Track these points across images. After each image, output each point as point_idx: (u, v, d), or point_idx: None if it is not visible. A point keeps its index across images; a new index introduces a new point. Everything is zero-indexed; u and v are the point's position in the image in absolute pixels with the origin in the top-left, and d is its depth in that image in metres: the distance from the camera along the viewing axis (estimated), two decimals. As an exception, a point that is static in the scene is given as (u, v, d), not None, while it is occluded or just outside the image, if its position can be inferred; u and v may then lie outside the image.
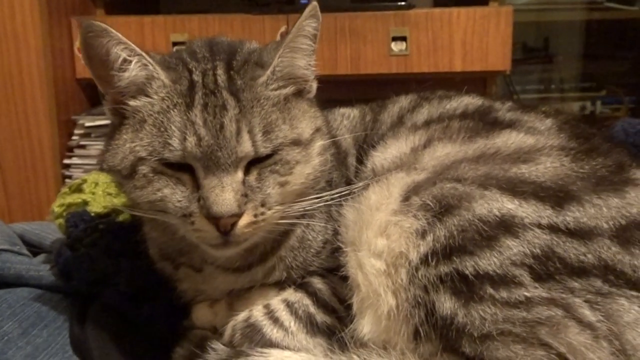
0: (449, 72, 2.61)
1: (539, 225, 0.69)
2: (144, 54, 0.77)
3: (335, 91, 2.90)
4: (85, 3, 2.72)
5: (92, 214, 0.99)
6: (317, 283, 0.85)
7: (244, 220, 0.73)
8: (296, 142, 0.78)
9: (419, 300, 0.70)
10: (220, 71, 0.78)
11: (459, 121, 0.85)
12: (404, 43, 2.61)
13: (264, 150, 0.75)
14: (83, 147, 2.52)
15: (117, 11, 2.75)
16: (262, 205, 0.75)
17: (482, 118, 0.88)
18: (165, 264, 0.92)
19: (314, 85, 0.86)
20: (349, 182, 0.90)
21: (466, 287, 0.67)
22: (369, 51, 2.58)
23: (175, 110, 0.74)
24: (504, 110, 0.93)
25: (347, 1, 2.65)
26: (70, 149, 2.51)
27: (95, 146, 2.50)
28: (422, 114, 0.94)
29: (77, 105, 2.64)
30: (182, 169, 0.74)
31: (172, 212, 0.75)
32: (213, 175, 0.73)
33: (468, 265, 0.68)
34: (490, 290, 0.67)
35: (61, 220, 1.00)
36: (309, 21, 0.79)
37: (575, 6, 3.12)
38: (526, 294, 0.66)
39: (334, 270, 0.85)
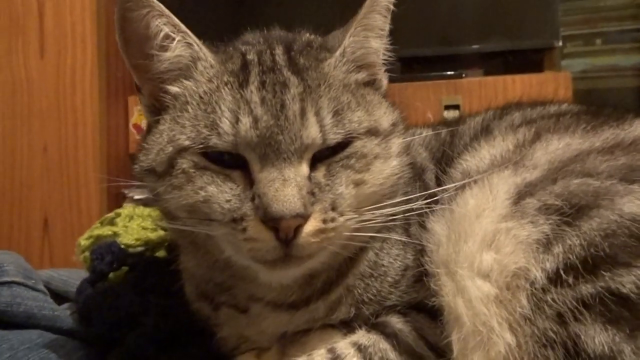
0: (506, 140, 2.46)
1: None
2: (188, 31, 0.65)
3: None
4: (142, 82, 2.81)
5: (122, 246, 0.84)
6: (397, 323, 0.65)
7: (310, 226, 0.57)
8: (373, 132, 0.63)
9: (552, 334, 0.50)
10: (278, 51, 0.66)
11: (569, 114, 0.68)
12: (457, 111, 2.51)
13: (334, 137, 0.60)
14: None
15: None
16: (333, 208, 0.59)
17: (592, 114, 0.71)
18: (203, 304, 0.75)
19: (385, 80, 0.72)
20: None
21: (629, 312, 0.47)
22: (420, 120, 2.48)
23: (225, 88, 0.61)
24: (613, 112, 0.76)
25: (397, 71, 2.61)
26: None
27: (141, 219, 2.45)
28: (513, 118, 0.77)
29: (128, 180, 2.64)
30: (230, 164, 0.60)
31: (218, 217, 0.59)
32: (272, 166, 0.58)
33: (626, 281, 0.48)
34: None
35: (87, 254, 0.86)
36: None
37: (631, 72, 2.97)
38: None
39: (418, 305, 0.65)
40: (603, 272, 0.50)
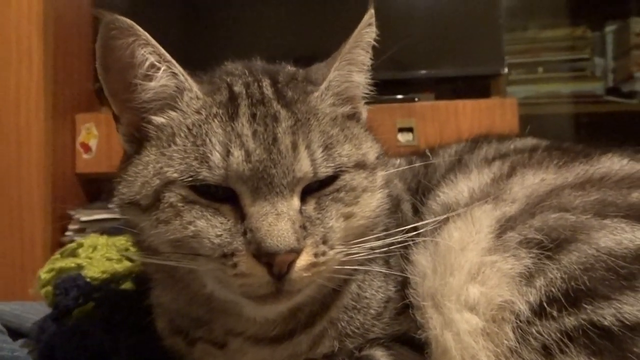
0: (457, 164, 2.55)
1: None
2: (173, 61, 0.63)
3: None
4: (91, 100, 2.73)
5: (88, 279, 0.80)
6: (382, 356, 0.65)
7: (302, 260, 0.56)
8: (361, 165, 0.63)
9: None
10: (265, 83, 0.65)
11: (541, 150, 0.71)
12: (411, 134, 2.58)
13: (324, 170, 0.60)
14: (76, 243, 2.36)
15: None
16: (324, 242, 0.58)
17: (560, 149, 0.75)
18: (177, 339, 0.72)
19: (365, 113, 0.73)
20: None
21: (612, 344, 0.49)
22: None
23: (215, 120, 0.60)
24: (579, 148, 0.80)
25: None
26: (63, 245, 2.37)
27: (88, 242, 2.35)
28: (486, 152, 0.80)
29: (74, 201, 2.56)
30: (220, 198, 0.58)
31: (207, 252, 0.57)
32: (264, 200, 0.57)
33: (607, 314, 0.50)
34: None
35: (49, 288, 0.81)
36: (367, 30, 0.68)
37: (575, 99, 3.15)
38: None
39: (401, 337, 0.65)
40: (585, 305, 0.52)
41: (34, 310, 0.94)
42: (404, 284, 0.67)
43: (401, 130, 2.57)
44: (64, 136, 2.40)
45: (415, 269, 0.64)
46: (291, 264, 0.56)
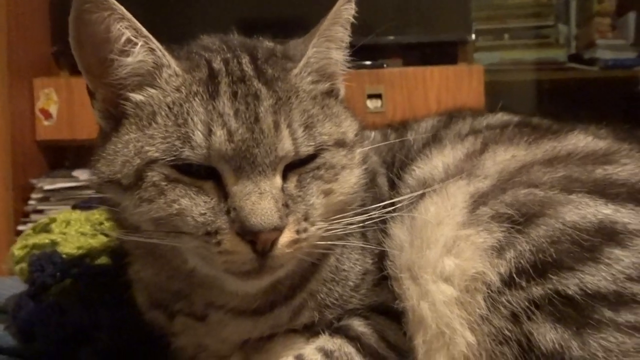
0: (425, 130, 2.59)
1: None
2: (150, 35, 0.62)
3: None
4: (49, 64, 2.63)
5: (64, 256, 0.79)
6: (359, 326, 0.67)
7: (285, 237, 0.57)
8: (341, 143, 0.64)
9: (508, 332, 0.55)
10: (244, 60, 0.65)
11: (512, 126, 0.73)
12: (380, 100, 2.60)
13: (305, 149, 0.61)
14: (40, 212, 2.32)
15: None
16: (305, 219, 0.60)
17: (530, 126, 0.77)
18: (157, 313, 0.73)
19: (343, 89, 0.74)
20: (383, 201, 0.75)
21: (574, 311, 0.53)
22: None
23: (196, 99, 0.59)
24: (547, 123, 0.83)
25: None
26: (27, 214, 2.32)
27: (55, 210, 2.32)
28: (460, 127, 0.82)
29: (35, 169, 2.49)
30: (203, 175, 0.59)
31: (191, 230, 0.58)
32: (247, 179, 0.57)
33: (571, 284, 0.54)
34: (608, 313, 0.52)
35: (23, 265, 0.80)
36: (346, 6, 0.68)
37: (539, 67, 3.21)
38: None
39: (379, 307, 0.68)
40: (551, 276, 0.55)
41: (5, 286, 0.93)
42: (381, 257, 0.69)
43: (370, 96, 2.59)
44: (22, 102, 2.32)
45: (392, 242, 0.67)
46: (274, 241, 0.57)
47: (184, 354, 0.73)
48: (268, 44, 0.73)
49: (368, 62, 2.65)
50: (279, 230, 0.57)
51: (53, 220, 0.89)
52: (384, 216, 0.67)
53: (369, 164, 0.79)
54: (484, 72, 2.57)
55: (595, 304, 0.53)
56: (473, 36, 2.74)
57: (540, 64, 3.23)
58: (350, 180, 0.65)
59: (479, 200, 0.62)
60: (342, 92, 0.73)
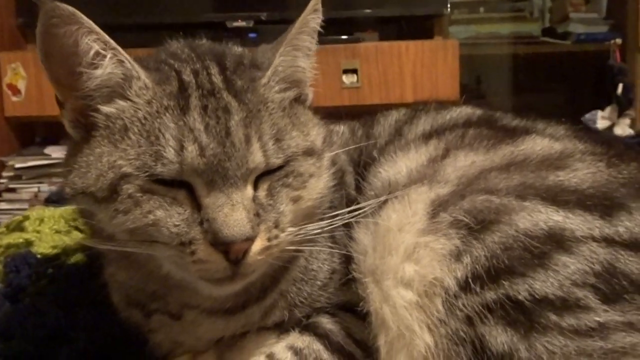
0: (400, 104, 2.62)
1: (593, 238, 0.60)
2: (118, 47, 0.63)
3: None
4: (16, 37, 2.55)
5: (39, 256, 0.81)
6: (327, 323, 0.71)
7: (257, 246, 0.60)
8: (309, 152, 0.67)
9: (463, 334, 0.59)
10: (213, 71, 0.66)
11: (473, 129, 0.76)
12: (355, 75, 2.60)
13: (275, 160, 0.63)
14: (13, 190, 2.31)
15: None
16: (276, 226, 0.63)
17: (491, 125, 0.80)
18: (134, 311, 0.75)
19: (311, 95, 0.75)
20: (350, 203, 0.78)
21: (523, 316, 0.57)
22: (320, 84, 2.55)
23: (167, 114, 0.61)
24: (508, 119, 0.86)
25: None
26: None
27: (28, 189, 2.30)
28: (423, 125, 0.85)
29: (5, 146, 2.44)
30: (177, 185, 0.60)
31: (166, 240, 0.60)
32: (219, 191, 0.59)
33: (521, 289, 0.58)
34: (553, 318, 0.56)
35: (-2, 266, 0.81)
36: (313, 16, 0.69)
37: (513, 40, 3.24)
38: (597, 318, 0.56)
39: (345, 305, 0.72)
40: (503, 281, 0.59)
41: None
42: (347, 257, 0.72)
43: (345, 72, 2.59)
44: (-11, 77, 2.26)
45: (357, 246, 0.70)
46: (246, 249, 0.60)
47: (161, 350, 0.75)
48: (236, 50, 0.73)
49: (344, 37, 2.64)
50: (250, 240, 0.59)
51: (26, 217, 0.90)
52: (350, 220, 0.70)
53: (337, 161, 0.82)
54: (459, 46, 2.59)
55: (542, 309, 0.57)
56: (448, 9, 2.74)
57: (514, 38, 3.25)
58: (318, 186, 0.68)
59: (438, 207, 0.65)
60: (310, 97, 0.75)
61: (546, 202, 0.63)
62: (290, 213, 0.64)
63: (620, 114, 2.87)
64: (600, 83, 2.99)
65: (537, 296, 0.57)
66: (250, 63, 0.69)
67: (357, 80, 2.61)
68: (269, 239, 0.61)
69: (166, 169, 0.59)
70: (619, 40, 2.89)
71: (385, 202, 0.69)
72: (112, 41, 0.62)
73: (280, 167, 0.64)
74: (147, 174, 0.59)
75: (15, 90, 2.46)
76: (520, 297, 0.58)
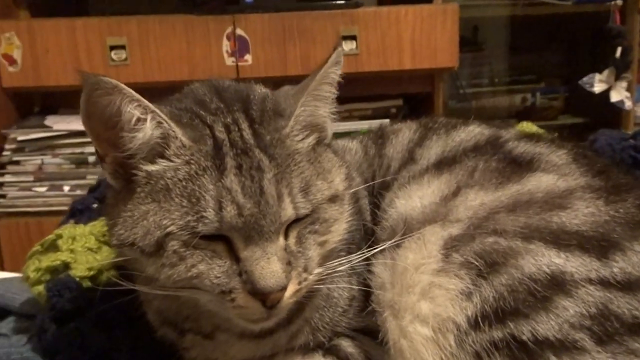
0: (398, 71, 2.63)
1: (590, 281, 0.67)
2: (157, 110, 0.67)
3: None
4: (8, 5, 2.50)
5: (77, 279, 0.87)
6: (348, 347, 0.79)
7: (290, 291, 0.67)
8: (333, 199, 0.73)
9: None
10: (244, 125, 0.70)
11: (482, 161, 0.81)
12: (354, 42, 2.60)
13: (304, 211, 0.69)
14: (17, 162, 2.33)
15: (42, 13, 2.55)
16: (305, 270, 0.69)
17: (497, 150, 0.85)
18: (168, 330, 0.83)
19: (330, 132, 0.79)
20: (366, 229, 0.84)
21: (526, 355, 0.64)
22: (318, 51, 2.55)
23: (206, 176, 0.66)
24: (513, 140, 0.91)
25: (293, 1, 2.61)
26: (2, 166, 2.32)
27: (31, 161, 2.33)
28: (434, 149, 0.90)
29: (4, 118, 2.45)
30: (216, 238, 0.66)
31: (208, 289, 0.67)
32: (255, 245, 0.66)
33: (525, 330, 0.65)
34: (552, 358, 0.64)
35: (40, 289, 0.87)
36: (334, 68, 0.73)
37: (512, 2, 3.21)
38: None
39: (364, 329, 0.79)
40: (509, 322, 0.66)
41: (15, 289, 1.01)
42: (366, 285, 0.79)
43: (345, 38, 2.58)
44: (-18, 48, 2.20)
45: (376, 280, 0.77)
46: (281, 296, 0.66)
47: (195, 364, 0.83)
48: (259, 93, 0.77)
49: (342, 1, 2.62)
50: (285, 288, 0.66)
51: (59, 236, 0.95)
52: (370, 253, 0.76)
53: (352, 183, 0.87)
54: (458, 9, 2.57)
55: (543, 350, 0.64)
56: (447, -29, 2.69)
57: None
58: (341, 228, 0.74)
59: (451, 247, 0.72)
60: (329, 134, 0.79)
61: (549, 244, 0.69)
62: (317, 256, 0.71)
63: (618, 77, 2.90)
64: (599, 45, 3.00)
65: (539, 337, 0.64)
66: (273, 109, 0.73)
67: (356, 47, 2.61)
68: (299, 283, 0.68)
69: (207, 227, 0.64)
70: (619, 2, 2.87)
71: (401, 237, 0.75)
72: (150, 105, 0.66)
73: (307, 216, 0.70)
74: (190, 232, 0.64)
75: (12, 60, 2.44)
76: (524, 338, 0.65)
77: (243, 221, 0.65)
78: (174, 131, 0.67)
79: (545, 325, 0.65)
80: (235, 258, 0.66)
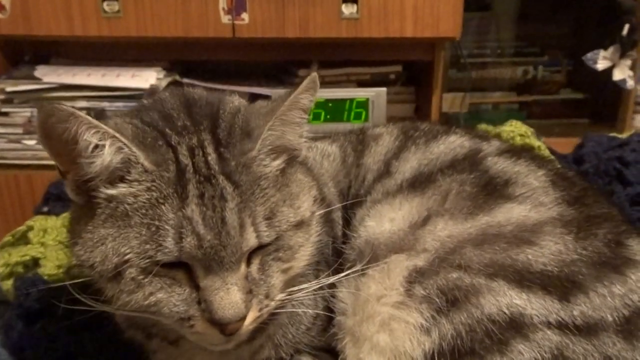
0: (399, 38, 2.56)
1: (549, 325, 0.67)
2: (117, 134, 0.65)
3: (284, 54, 2.78)
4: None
5: (45, 277, 0.87)
6: (308, 361, 0.81)
7: (249, 318, 0.67)
8: (299, 225, 0.71)
9: None
10: (209, 149, 0.68)
11: (457, 184, 0.80)
12: (355, 6, 2.51)
13: (267, 239, 0.68)
14: (6, 114, 2.30)
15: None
16: (266, 297, 0.69)
17: (474, 168, 0.84)
18: (136, 332, 0.84)
19: (303, 151, 0.77)
20: (335, 244, 0.84)
21: None
22: (318, 14, 2.48)
23: (166, 204, 0.64)
24: (493, 154, 0.89)
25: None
26: None
27: (21, 113, 2.30)
28: (410, 162, 0.88)
29: (-2, 66, 2.39)
30: (175, 266, 0.66)
31: (167, 317, 0.67)
32: (215, 274, 0.65)
33: None
34: None
35: (9, 284, 0.88)
36: (306, 94, 0.70)
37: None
38: None
39: (326, 348, 0.81)
40: None
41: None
42: (330, 307, 0.80)
43: (345, 1, 2.49)
44: (-30, -7, 2.20)
45: (339, 304, 0.77)
46: (240, 325, 0.66)
47: (162, 369, 0.85)
48: (231, 108, 0.74)
49: (344, -41, 2.51)
50: (244, 318, 0.66)
51: (30, 227, 0.95)
52: (335, 279, 0.76)
53: (325, 192, 0.86)
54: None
55: None
56: None
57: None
58: (306, 253, 0.73)
59: (414, 280, 0.71)
60: (302, 154, 0.77)
61: (512, 284, 0.69)
62: (280, 283, 0.71)
63: (623, 55, 2.83)
64: (607, 20, 2.91)
65: None
66: (242, 128, 0.71)
67: (357, 11, 2.52)
68: (259, 310, 0.68)
69: (166, 256, 0.64)
70: (632, -24, 2.76)
71: (367, 264, 0.75)
72: (109, 129, 0.64)
73: (271, 243, 0.69)
74: (148, 260, 0.64)
75: (1, 7, 2.36)
76: None
77: (203, 252, 0.64)
78: (135, 156, 0.65)
79: None
80: (195, 285, 0.66)
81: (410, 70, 2.77)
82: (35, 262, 0.90)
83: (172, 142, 0.68)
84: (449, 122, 2.83)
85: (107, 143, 0.64)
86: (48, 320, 0.84)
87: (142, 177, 0.66)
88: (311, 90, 0.70)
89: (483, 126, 1.27)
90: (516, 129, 1.21)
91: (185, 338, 0.79)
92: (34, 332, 0.83)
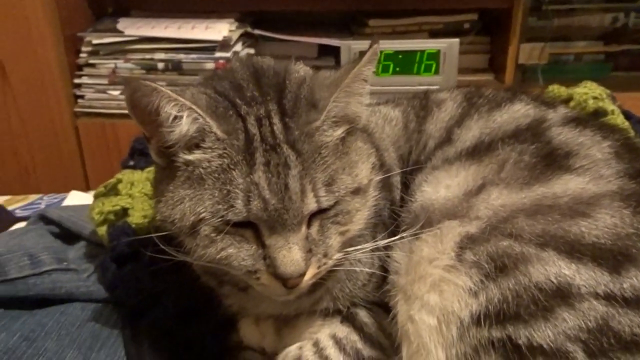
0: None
1: (596, 295, 0.69)
2: (194, 106, 0.71)
3: (354, 3, 2.72)
4: None
5: (133, 226, 0.98)
6: (364, 316, 0.87)
7: (309, 274, 0.74)
8: (356, 192, 0.76)
9: (469, 358, 0.73)
10: (275, 119, 0.73)
11: (515, 154, 0.81)
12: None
13: (326, 204, 0.73)
14: (92, 65, 2.45)
15: None
16: (325, 255, 0.76)
17: (536, 139, 0.84)
18: (210, 279, 0.93)
19: (364, 117, 0.81)
20: (393, 207, 0.88)
21: (518, 357, 0.69)
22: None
23: (236, 170, 0.71)
24: (558, 124, 0.88)
25: None
26: (80, 67, 2.45)
27: (106, 65, 2.44)
28: (472, 131, 0.89)
29: (82, 20, 2.55)
30: (244, 225, 0.73)
31: (236, 269, 0.75)
32: (278, 235, 0.72)
33: (522, 335, 0.69)
34: None
35: (102, 230, 1.00)
36: (369, 66, 0.73)
37: None
38: None
39: (379, 302, 0.87)
40: (508, 325, 0.69)
41: (85, 217, 1.14)
42: (385, 265, 0.85)
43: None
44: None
45: (393, 264, 0.82)
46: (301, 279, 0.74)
47: (231, 310, 0.95)
48: (297, 78, 0.78)
49: None
50: (304, 274, 0.73)
51: (120, 180, 1.06)
52: (391, 241, 0.81)
53: (385, 157, 0.90)
54: None
55: (535, 356, 0.68)
56: None
57: None
58: (363, 217, 0.78)
59: (466, 244, 0.75)
60: (362, 120, 0.81)
61: (562, 254, 0.71)
62: (337, 244, 0.77)
63: None
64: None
65: (534, 344, 0.68)
66: (307, 98, 0.75)
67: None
68: (318, 267, 0.75)
69: (236, 216, 0.71)
70: None
71: (421, 227, 0.79)
72: (186, 102, 0.71)
73: (330, 207, 0.74)
74: (220, 219, 0.72)
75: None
76: (519, 342, 0.69)
77: (268, 214, 0.70)
78: (209, 125, 0.72)
79: (542, 334, 0.68)
80: (261, 243, 0.73)
81: (485, 18, 2.65)
82: (125, 211, 1.01)
83: (242, 113, 0.74)
84: (525, 75, 2.71)
85: (185, 114, 0.71)
86: (136, 264, 0.96)
87: (215, 145, 0.72)
88: (373, 61, 0.73)
89: (555, 87, 1.22)
90: (590, 91, 1.17)
91: (253, 287, 0.88)
92: (124, 274, 0.95)
